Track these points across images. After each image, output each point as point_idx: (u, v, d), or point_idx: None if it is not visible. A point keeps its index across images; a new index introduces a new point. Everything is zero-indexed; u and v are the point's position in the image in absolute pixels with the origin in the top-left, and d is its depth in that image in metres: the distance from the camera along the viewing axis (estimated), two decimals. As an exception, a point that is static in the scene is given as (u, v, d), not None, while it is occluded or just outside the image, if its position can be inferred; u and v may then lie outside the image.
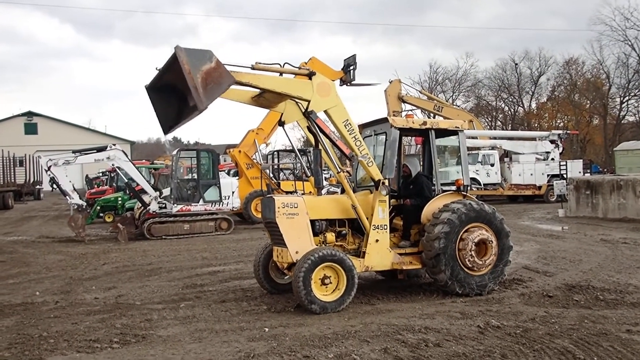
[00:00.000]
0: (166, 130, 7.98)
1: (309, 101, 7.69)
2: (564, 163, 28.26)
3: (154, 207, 17.40)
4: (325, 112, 7.92)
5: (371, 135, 9.18)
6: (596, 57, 55.57)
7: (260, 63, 7.53)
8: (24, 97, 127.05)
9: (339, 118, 7.93)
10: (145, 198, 17.91)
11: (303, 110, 7.84)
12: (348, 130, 7.96)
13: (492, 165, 27.87)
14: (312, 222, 8.03)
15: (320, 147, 8.20)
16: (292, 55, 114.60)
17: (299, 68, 7.96)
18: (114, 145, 18.07)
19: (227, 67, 6.97)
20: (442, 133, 9.20)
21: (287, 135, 9.66)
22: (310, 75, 7.71)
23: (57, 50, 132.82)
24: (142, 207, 17.97)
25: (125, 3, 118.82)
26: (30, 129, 60.26)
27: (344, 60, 22.28)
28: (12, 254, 14.55)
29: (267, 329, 6.72)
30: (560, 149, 29.69)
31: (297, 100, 7.84)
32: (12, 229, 21.61)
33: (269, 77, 7.53)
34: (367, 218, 8.16)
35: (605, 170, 42.56)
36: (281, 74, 7.77)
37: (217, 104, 7.04)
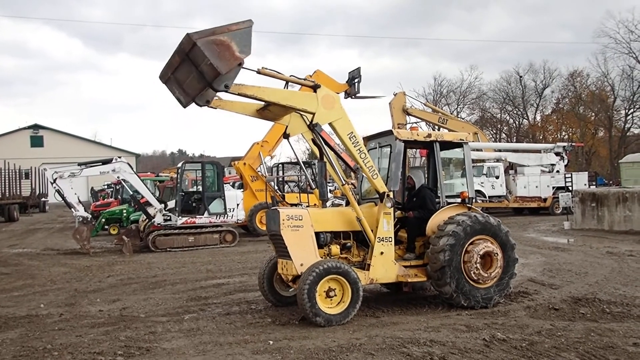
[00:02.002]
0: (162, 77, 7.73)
1: (313, 114, 7.71)
2: (569, 175, 28.20)
3: (158, 219, 17.42)
4: (330, 124, 7.94)
5: (376, 148, 9.20)
6: (601, 70, 55.66)
7: (266, 68, 7.54)
8: (32, 111, 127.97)
9: (343, 130, 7.95)
10: (150, 210, 17.94)
11: (308, 123, 7.86)
12: (353, 143, 7.97)
13: (497, 177, 27.84)
14: (317, 234, 8.02)
15: (325, 159, 8.21)
16: (299, 68, 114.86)
17: (304, 79, 7.99)
18: (120, 157, 18.14)
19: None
20: (447, 145, 9.21)
21: (292, 148, 9.65)
22: (315, 87, 7.74)
23: (65, 64, 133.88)
24: (147, 220, 17.99)
25: (134, 17, 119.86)
26: (36, 142, 60.54)
27: (349, 73, 22.33)
28: (17, 267, 14.58)
29: (271, 342, 6.70)
30: (566, 161, 29.64)
31: (302, 112, 7.87)
32: (17, 242, 21.66)
33: (274, 90, 7.55)
34: (372, 230, 8.15)
35: (610, 182, 42.38)
36: (287, 83, 7.79)
37: (223, 115, 7.05)
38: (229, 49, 6.68)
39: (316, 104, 7.70)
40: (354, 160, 8.29)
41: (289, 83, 7.87)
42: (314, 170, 21.36)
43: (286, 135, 8.44)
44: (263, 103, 7.82)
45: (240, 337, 6.98)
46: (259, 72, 7.39)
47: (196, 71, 6.84)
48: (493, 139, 57.13)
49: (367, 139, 9.54)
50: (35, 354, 6.50)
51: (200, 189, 18.67)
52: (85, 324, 7.96)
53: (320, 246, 8.06)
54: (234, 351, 6.41)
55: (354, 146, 8.00)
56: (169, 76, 7.33)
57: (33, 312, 8.86)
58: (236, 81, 7.09)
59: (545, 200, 27.79)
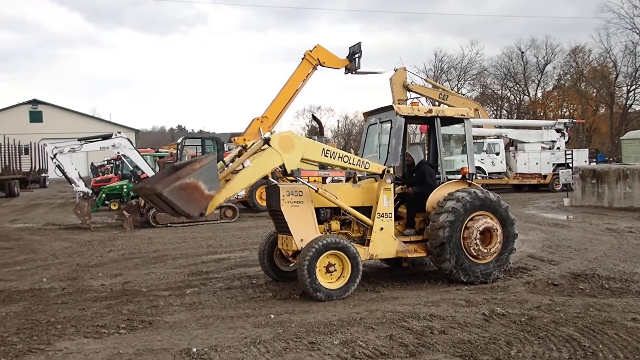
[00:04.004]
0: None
1: (283, 164, 7.61)
2: (570, 152, 28.16)
3: (159, 195, 17.40)
4: (302, 160, 7.84)
5: (376, 123, 9.15)
6: (603, 46, 55.27)
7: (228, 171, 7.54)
8: (31, 85, 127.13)
9: (315, 156, 7.92)
10: (151, 186, 17.92)
11: (284, 175, 7.75)
12: (330, 157, 7.98)
13: (498, 154, 27.79)
14: (317, 210, 8.03)
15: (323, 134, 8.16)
16: (300, 44, 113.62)
17: (257, 141, 7.71)
18: (119, 133, 18.10)
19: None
20: (448, 121, 9.17)
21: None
22: (266, 141, 7.52)
23: (65, 38, 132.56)
24: (148, 195, 17.99)
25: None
26: (35, 117, 60.26)
27: (349, 48, 22.20)
28: (19, 241, 14.64)
29: (272, 316, 6.77)
30: (566, 138, 29.56)
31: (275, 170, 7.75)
32: (19, 217, 21.71)
33: (239, 179, 7.41)
34: (372, 206, 8.18)
35: (611, 159, 42.37)
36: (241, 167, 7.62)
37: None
38: (197, 189, 6.63)
39: (278, 155, 7.54)
40: (342, 169, 8.22)
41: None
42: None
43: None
44: None
45: (242, 311, 7.04)
46: (212, 196, 7.02)
47: (171, 208, 6.86)
48: (494, 116, 56.97)
49: (367, 114, 9.51)
50: (39, 326, 6.56)
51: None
52: (88, 298, 8.03)
53: (320, 222, 8.07)
54: (235, 325, 6.47)
55: (334, 158, 7.99)
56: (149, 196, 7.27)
57: (36, 286, 8.92)
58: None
59: (545, 177, 27.79)
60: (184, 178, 6.52)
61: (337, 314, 6.78)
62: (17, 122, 56.24)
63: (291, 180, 7.98)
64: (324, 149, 7.98)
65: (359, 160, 8.19)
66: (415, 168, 9.05)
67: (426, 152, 9.86)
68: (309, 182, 8.00)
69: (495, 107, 62.92)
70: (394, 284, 8.40)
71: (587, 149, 32.97)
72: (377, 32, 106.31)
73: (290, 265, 8.73)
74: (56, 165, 16.95)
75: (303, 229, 7.82)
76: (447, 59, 63.20)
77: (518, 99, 63.43)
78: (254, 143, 7.74)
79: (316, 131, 40.95)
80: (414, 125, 24.07)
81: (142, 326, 6.54)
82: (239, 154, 7.93)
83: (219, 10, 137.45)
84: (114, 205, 22.72)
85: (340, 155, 8.07)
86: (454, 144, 27.26)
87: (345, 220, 8.41)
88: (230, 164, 7.90)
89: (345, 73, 22.54)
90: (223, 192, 7.23)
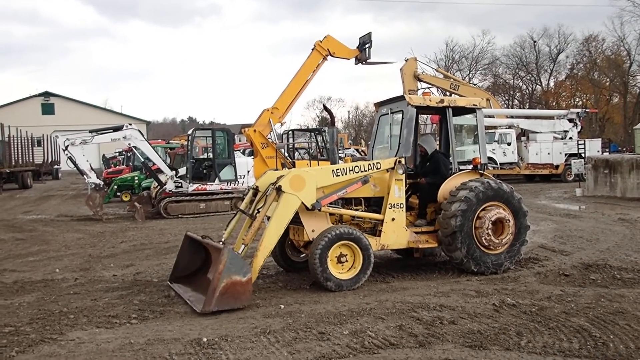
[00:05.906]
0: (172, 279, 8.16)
1: (302, 202, 7.55)
2: (582, 142, 27.90)
3: (170, 186, 17.51)
4: (317, 190, 7.78)
5: (387, 114, 9.11)
6: (617, 34, 54.61)
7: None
8: (43, 78, 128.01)
9: (328, 180, 7.92)
10: (162, 177, 18.03)
11: (308, 211, 7.68)
12: (342, 174, 8.01)
13: (509, 144, 27.59)
14: (328, 200, 8.02)
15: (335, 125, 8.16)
16: (312, 35, 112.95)
17: (272, 190, 7.53)
18: (130, 124, 18.12)
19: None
20: (460, 111, 9.12)
21: None
22: (277, 189, 7.44)
23: (78, 31, 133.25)
24: (159, 187, 18.10)
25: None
26: (47, 109, 60.62)
27: (360, 38, 22.06)
28: (31, 232, 14.79)
29: (282, 306, 6.79)
30: (579, 128, 29.29)
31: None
32: (32, 208, 21.92)
33: (268, 235, 7.26)
34: (384, 197, 8.19)
35: (624, 149, 41.95)
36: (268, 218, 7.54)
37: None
38: (236, 283, 6.67)
39: (295, 197, 7.47)
40: (355, 181, 8.16)
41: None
42: (324, 137, 21.27)
43: None
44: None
45: (252, 301, 7.06)
46: (251, 279, 6.91)
47: None
48: (505, 106, 56.54)
49: (378, 105, 9.47)
50: (51, 316, 6.63)
51: (211, 156, 18.69)
52: (100, 288, 8.09)
53: (331, 212, 8.08)
54: (245, 315, 6.50)
55: (345, 173, 8.02)
56: None
57: (48, 277, 9.01)
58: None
59: (557, 167, 27.59)
60: (219, 285, 6.58)
61: (347, 304, 6.79)
62: (30, 114, 56.63)
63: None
64: (333, 170, 8.01)
65: (369, 163, 8.21)
66: (429, 158, 9.02)
67: (437, 142, 9.81)
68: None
69: (507, 97, 62.41)
70: (404, 275, 8.39)
71: (600, 139, 32.64)
72: (388, 22, 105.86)
73: (302, 255, 8.75)
74: (68, 157, 17.01)
75: (315, 219, 7.82)
76: (458, 48, 62.74)
77: (530, 88, 62.86)
78: (267, 190, 7.64)
79: (327, 122, 40.87)
80: (425, 116, 23.95)
81: (153, 316, 6.59)
82: (254, 195, 8.02)
83: (232, 1, 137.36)
84: (126, 196, 22.89)
85: (351, 168, 8.11)
86: (466, 134, 27.13)
87: (356, 210, 8.40)
88: (249, 207, 7.94)
89: (356, 63, 22.41)
90: (259, 256, 7.15)
